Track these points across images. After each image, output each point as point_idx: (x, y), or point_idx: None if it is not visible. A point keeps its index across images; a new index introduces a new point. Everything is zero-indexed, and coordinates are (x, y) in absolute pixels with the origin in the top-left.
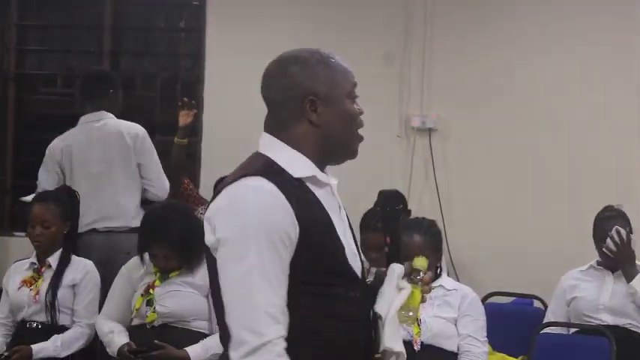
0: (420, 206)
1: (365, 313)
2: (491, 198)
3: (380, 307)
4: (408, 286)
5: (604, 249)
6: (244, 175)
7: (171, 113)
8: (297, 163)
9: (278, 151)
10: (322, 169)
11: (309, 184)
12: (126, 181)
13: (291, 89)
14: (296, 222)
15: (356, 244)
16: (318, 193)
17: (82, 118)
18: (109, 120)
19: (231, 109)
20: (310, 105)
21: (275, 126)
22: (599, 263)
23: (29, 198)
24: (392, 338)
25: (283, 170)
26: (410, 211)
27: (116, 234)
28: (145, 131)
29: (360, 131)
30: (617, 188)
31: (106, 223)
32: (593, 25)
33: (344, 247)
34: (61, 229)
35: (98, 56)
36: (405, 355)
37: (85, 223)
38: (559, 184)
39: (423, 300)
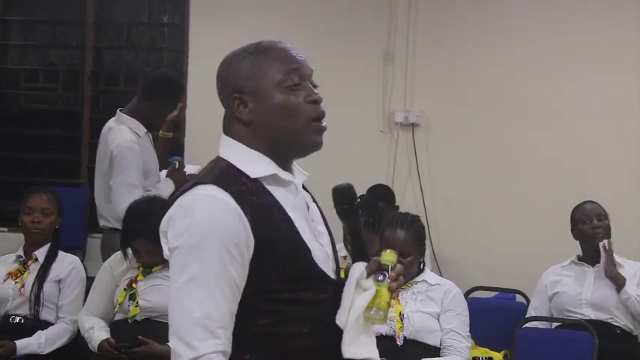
0: (403, 201)
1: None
2: (475, 193)
3: (338, 316)
4: (372, 286)
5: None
6: (197, 184)
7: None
8: (254, 162)
9: (235, 151)
10: (285, 164)
11: (268, 186)
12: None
13: (221, 91)
14: (250, 232)
15: (332, 242)
16: (279, 193)
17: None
18: (114, 122)
19: (214, 104)
20: (238, 103)
21: (226, 130)
22: (579, 258)
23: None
24: (352, 346)
25: (241, 173)
26: (398, 207)
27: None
28: (122, 147)
29: (333, 122)
30: (605, 184)
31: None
32: (579, 16)
33: (308, 250)
34: (56, 221)
35: (81, 51)
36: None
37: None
38: (542, 179)
39: (393, 297)
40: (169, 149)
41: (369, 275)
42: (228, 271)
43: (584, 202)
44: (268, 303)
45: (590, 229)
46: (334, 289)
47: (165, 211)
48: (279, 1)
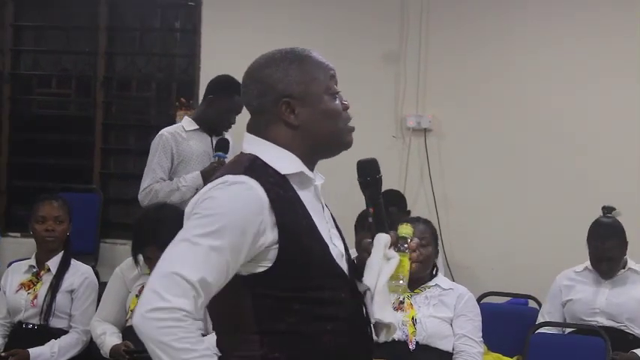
0: (415, 206)
1: (356, 313)
2: (487, 198)
3: (368, 279)
4: (395, 255)
5: None
6: (227, 174)
7: (167, 113)
8: (282, 160)
9: (262, 148)
10: (311, 166)
11: (293, 184)
12: None
13: (265, 95)
14: (273, 223)
15: (345, 245)
16: (302, 193)
17: None
18: None
19: None
20: (286, 107)
21: (258, 131)
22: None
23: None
24: (382, 309)
25: (267, 166)
26: (409, 211)
27: None
28: (155, 140)
29: (354, 126)
30: (615, 189)
31: None
32: (591, 22)
33: (327, 247)
34: (68, 228)
35: (93, 57)
36: (397, 327)
37: None
38: (555, 184)
39: (412, 267)
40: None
41: (391, 245)
42: (223, 248)
43: (602, 230)
44: (294, 301)
45: (599, 268)
46: (351, 288)
47: (176, 219)
48: (290, 5)
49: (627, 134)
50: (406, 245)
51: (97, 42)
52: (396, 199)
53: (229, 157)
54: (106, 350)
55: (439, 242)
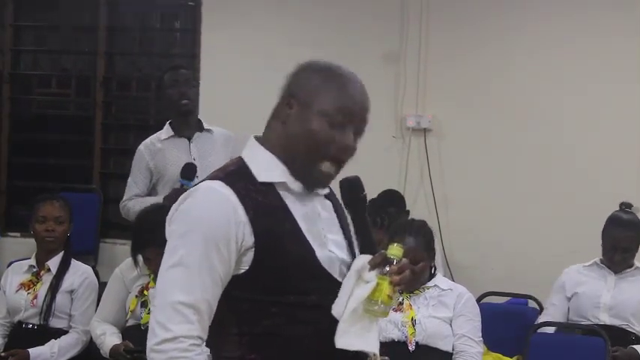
0: (415, 206)
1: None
2: (487, 198)
3: (334, 307)
4: (373, 279)
5: None
6: (206, 179)
7: (166, 113)
8: (266, 168)
9: (252, 153)
10: (302, 175)
11: (279, 190)
12: None
13: (283, 88)
14: (249, 229)
15: (352, 250)
16: (289, 198)
17: None
18: None
19: (226, 109)
20: (286, 103)
21: (269, 120)
22: (602, 261)
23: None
24: (344, 336)
25: (251, 174)
26: (408, 212)
27: None
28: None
29: (333, 173)
30: (616, 189)
31: None
32: (592, 22)
33: (312, 250)
34: (68, 228)
35: (93, 57)
36: (376, 354)
37: None
38: (555, 183)
39: (394, 290)
40: None
41: (373, 268)
42: (212, 263)
43: (621, 221)
44: (274, 304)
45: (612, 257)
46: None
47: None
48: (291, 5)
49: (628, 134)
50: (387, 268)
51: (96, 42)
52: (395, 199)
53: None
54: (105, 350)
55: (439, 242)
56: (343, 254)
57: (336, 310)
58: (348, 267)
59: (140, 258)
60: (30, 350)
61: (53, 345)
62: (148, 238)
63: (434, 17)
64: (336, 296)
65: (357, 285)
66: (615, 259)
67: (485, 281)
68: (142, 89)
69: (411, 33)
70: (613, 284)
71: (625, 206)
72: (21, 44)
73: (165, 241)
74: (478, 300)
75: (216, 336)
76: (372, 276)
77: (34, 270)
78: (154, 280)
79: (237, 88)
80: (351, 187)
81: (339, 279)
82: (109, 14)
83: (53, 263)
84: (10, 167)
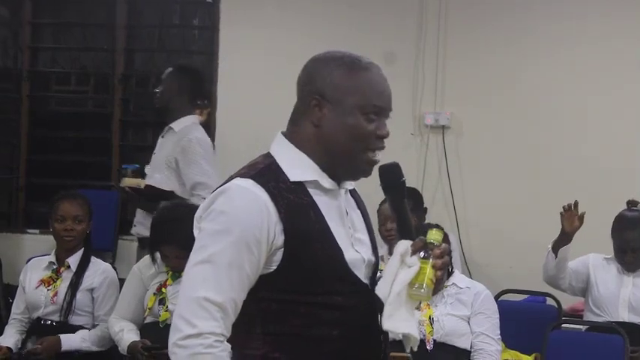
0: (433, 204)
1: (369, 321)
2: (505, 196)
3: (379, 289)
4: (416, 263)
5: None
6: (236, 176)
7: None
8: (297, 166)
9: (282, 151)
10: (333, 173)
11: (309, 188)
12: None
13: (305, 85)
14: (280, 228)
15: (375, 252)
16: (319, 197)
17: (195, 117)
18: None
19: (245, 106)
20: (315, 104)
21: (291, 120)
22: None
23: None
24: (392, 319)
25: (282, 173)
26: (426, 209)
27: None
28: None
29: (379, 159)
30: (633, 183)
31: None
32: (612, 22)
33: (341, 252)
34: (88, 226)
35: (111, 54)
36: (417, 337)
37: None
38: (572, 181)
39: (437, 275)
40: None
41: (414, 252)
42: (242, 262)
43: (627, 222)
44: (301, 305)
45: (623, 259)
46: (367, 296)
47: (193, 217)
48: (308, 2)
49: None
50: (430, 252)
51: (115, 39)
52: (413, 196)
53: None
54: (123, 347)
55: (457, 240)
56: (368, 254)
57: (381, 292)
58: (373, 267)
59: (158, 255)
60: (61, 336)
61: (84, 334)
62: (166, 235)
63: (452, 15)
64: (359, 299)
65: (401, 269)
66: (627, 260)
67: (503, 279)
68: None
69: (430, 31)
70: (631, 282)
71: (631, 204)
72: (39, 42)
73: (183, 239)
74: (496, 298)
75: (240, 333)
76: (415, 260)
77: (54, 267)
78: (172, 277)
79: (255, 85)
80: (391, 172)
81: (365, 280)
82: (127, 11)
83: (73, 260)
84: (29, 164)
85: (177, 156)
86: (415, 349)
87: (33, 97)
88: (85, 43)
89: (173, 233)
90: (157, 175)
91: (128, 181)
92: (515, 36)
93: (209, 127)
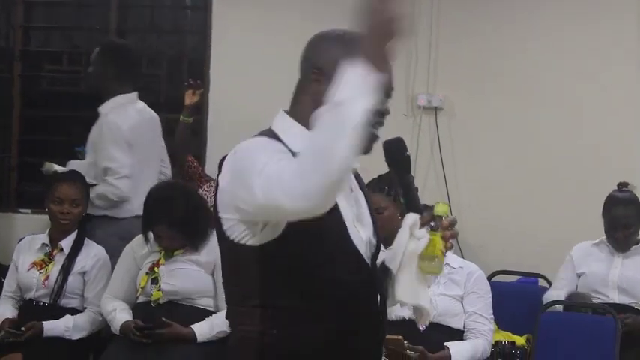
0: (425, 185)
1: (368, 298)
2: (497, 177)
3: (389, 260)
4: (425, 235)
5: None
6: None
7: (177, 91)
8: (300, 140)
9: (285, 126)
10: None
11: None
12: (158, 164)
13: (306, 60)
14: None
15: (377, 233)
16: None
17: (128, 97)
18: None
19: (238, 87)
20: (315, 78)
21: (293, 97)
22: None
23: (57, 168)
24: (406, 290)
25: (285, 145)
26: (417, 189)
27: None
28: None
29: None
30: (625, 168)
31: None
32: (606, 4)
33: (345, 226)
34: (84, 210)
35: (104, 34)
36: (430, 313)
37: (132, 209)
38: (565, 163)
39: (447, 246)
40: (191, 133)
41: (423, 225)
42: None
43: (618, 200)
44: (302, 276)
45: (614, 236)
46: (369, 273)
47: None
48: None
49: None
50: (438, 224)
51: (108, 19)
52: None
53: None
54: (116, 327)
55: None
56: (369, 234)
57: (392, 264)
58: (374, 248)
59: (151, 235)
60: (44, 323)
61: (68, 320)
62: (159, 215)
63: None
64: (360, 275)
65: (410, 241)
66: (617, 237)
67: (495, 260)
68: (152, 66)
69: (423, 11)
70: (620, 263)
71: (622, 186)
72: (32, 21)
73: (176, 218)
74: (488, 279)
75: (238, 305)
76: (424, 232)
77: (47, 249)
78: (165, 256)
79: (248, 66)
80: (395, 147)
81: (367, 259)
82: None
83: (66, 243)
84: (21, 144)
85: (96, 139)
86: (427, 323)
87: (25, 77)
88: (77, 23)
89: (166, 213)
90: (88, 158)
91: (48, 166)
92: (509, 18)
93: (201, 107)
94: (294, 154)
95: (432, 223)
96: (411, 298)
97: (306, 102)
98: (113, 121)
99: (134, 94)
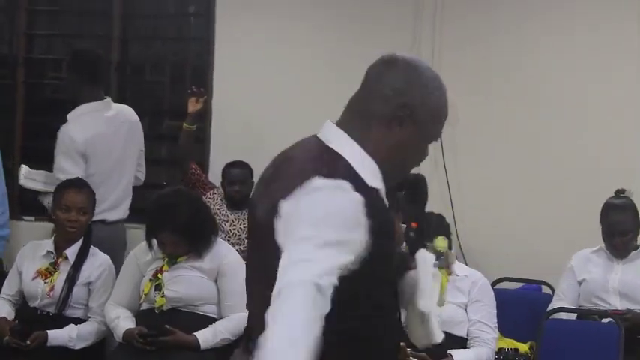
0: (429, 192)
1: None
2: (501, 183)
3: (424, 303)
4: (438, 273)
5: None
6: (321, 175)
7: (180, 98)
8: (372, 174)
9: (350, 150)
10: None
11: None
12: (133, 170)
13: (400, 94)
14: (368, 239)
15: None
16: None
17: (92, 105)
18: (117, 105)
19: (241, 95)
20: (401, 115)
21: (356, 117)
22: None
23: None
24: (437, 328)
25: (358, 176)
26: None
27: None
28: None
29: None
30: (628, 174)
31: (119, 214)
32: (610, 8)
33: (393, 259)
34: (90, 218)
35: (108, 41)
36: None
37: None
38: (569, 169)
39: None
40: (193, 141)
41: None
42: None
43: (615, 206)
44: (363, 306)
45: (612, 243)
46: (397, 302)
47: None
48: None
49: None
50: (441, 259)
51: (111, 26)
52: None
53: None
54: (119, 334)
55: (453, 228)
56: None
57: (425, 305)
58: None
59: (154, 242)
60: (49, 332)
61: (72, 330)
62: (163, 222)
63: (449, 3)
64: (395, 303)
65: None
66: (615, 243)
67: (498, 267)
68: (156, 74)
69: (426, 19)
70: (619, 269)
71: (619, 192)
72: (35, 28)
73: (179, 225)
74: (491, 285)
75: None
76: (436, 271)
77: (52, 257)
78: (168, 263)
79: (251, 73)
80: (419, 185)
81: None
82: None
83: (71, 252)
84: (24, 151)
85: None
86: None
87: (28, 84)
88: (80, 30)
89: (170, 220)
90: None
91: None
92: (512, 24)
93: (204, 114)
94: (368, 189)
95: (436, 260)
96: (439, 336)
97: (379, 134)
98: (67, 132)
99: (103, 102)
